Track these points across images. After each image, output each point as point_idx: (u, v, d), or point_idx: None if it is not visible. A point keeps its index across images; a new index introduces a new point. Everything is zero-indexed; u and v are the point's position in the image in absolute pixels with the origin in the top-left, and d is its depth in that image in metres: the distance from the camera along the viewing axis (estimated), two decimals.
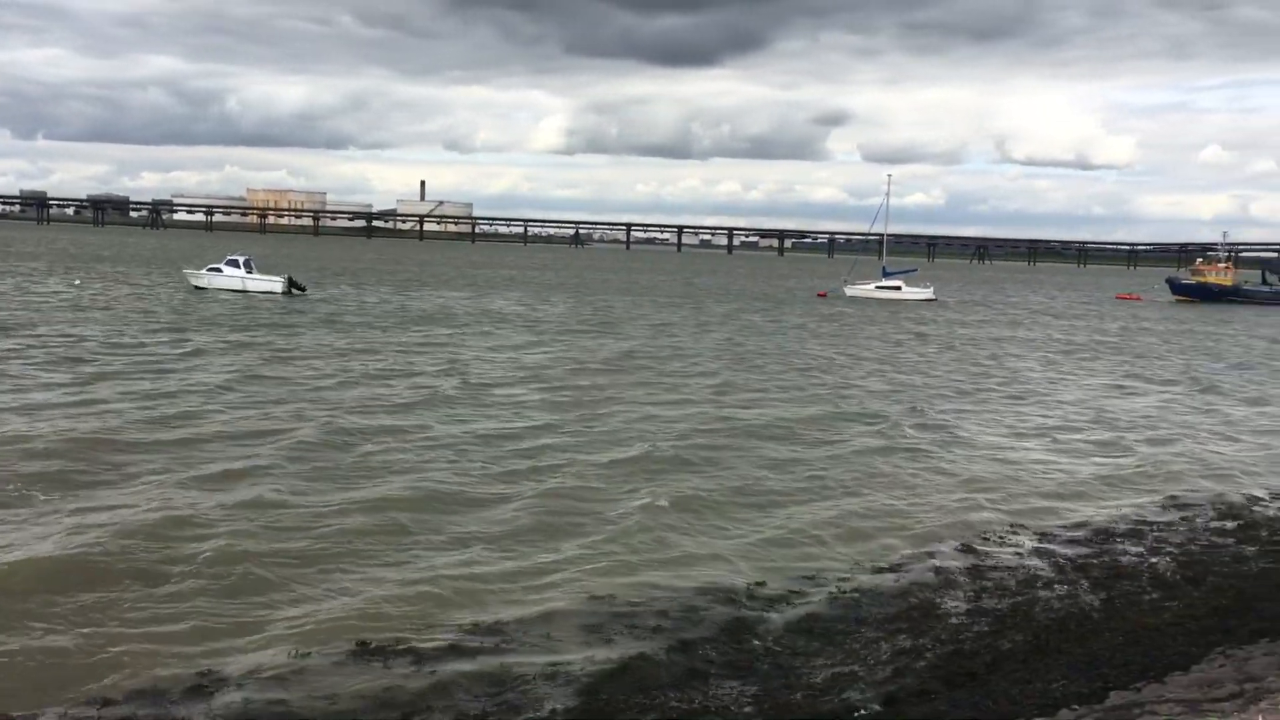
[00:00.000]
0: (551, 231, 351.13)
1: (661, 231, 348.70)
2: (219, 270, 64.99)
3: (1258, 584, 14.59)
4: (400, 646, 11.34)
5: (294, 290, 63.62)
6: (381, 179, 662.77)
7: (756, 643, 11.87)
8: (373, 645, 11.32)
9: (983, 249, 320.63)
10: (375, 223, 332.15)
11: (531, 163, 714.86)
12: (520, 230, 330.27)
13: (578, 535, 15.68)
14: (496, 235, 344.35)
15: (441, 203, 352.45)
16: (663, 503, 17.34)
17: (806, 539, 16.08)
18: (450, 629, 11.93)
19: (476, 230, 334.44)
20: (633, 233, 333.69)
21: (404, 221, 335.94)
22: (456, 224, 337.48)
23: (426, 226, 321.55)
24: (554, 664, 10.98)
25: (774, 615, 12.78)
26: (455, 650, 11.32)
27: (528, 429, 23.52)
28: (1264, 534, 17.40)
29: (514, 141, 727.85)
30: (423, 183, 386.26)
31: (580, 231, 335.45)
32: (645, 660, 11.12)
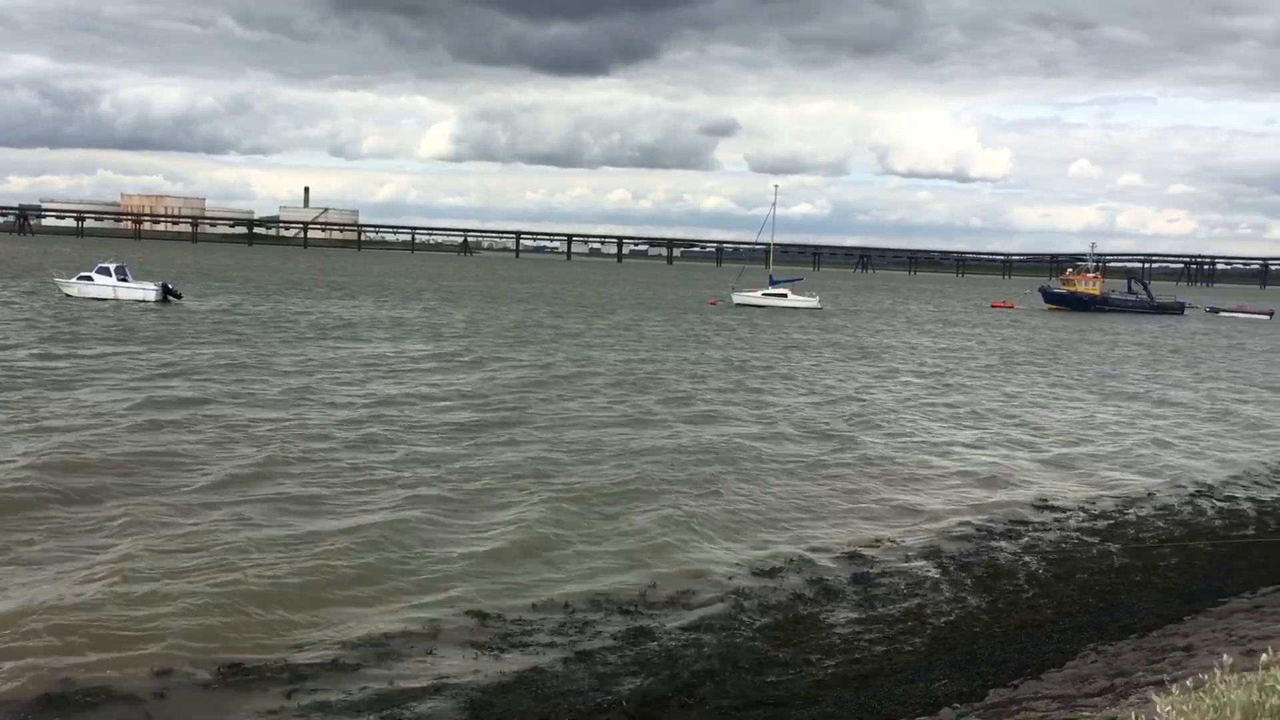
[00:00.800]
0: (440, 239, 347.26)
1: (551, 240, 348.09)
2: (90, 279, 62.57)
3: (1123, 581, 15.17)
4: (279, 665, 10.99)
5: (170, 298, 61.70)
6: (264, 185, 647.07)
7: (654, 644, 11.88)
8: (248, 665, 10.96)
9: (866, 258, 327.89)
10: (257, 229, 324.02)
11: (419, 170, 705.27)
12: (408, 238, 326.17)
13: (465, 547, 15.47)
14: (383, 243, 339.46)
15: (326, 210, 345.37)
16: (551, 512, 17.22)
17: (699, 546, 16.12)
18: (332, 646, 11.62)
19: (363, 238, 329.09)
20: (522, 241, 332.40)
21: (287, 229, 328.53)
22: (342, 231, 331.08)
23: (311, 234, 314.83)
24: (442, 679, 10.78)
25: (667, 621, 12.79)
26: (337, 667, 11.03)
27: (426, 440, 23.15)
28: (1130, 533, 18.10)
29: (401, 148, 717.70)
30: (306, 189, 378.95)
31: (469, 240, 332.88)
32: (538, 671, 11.01)
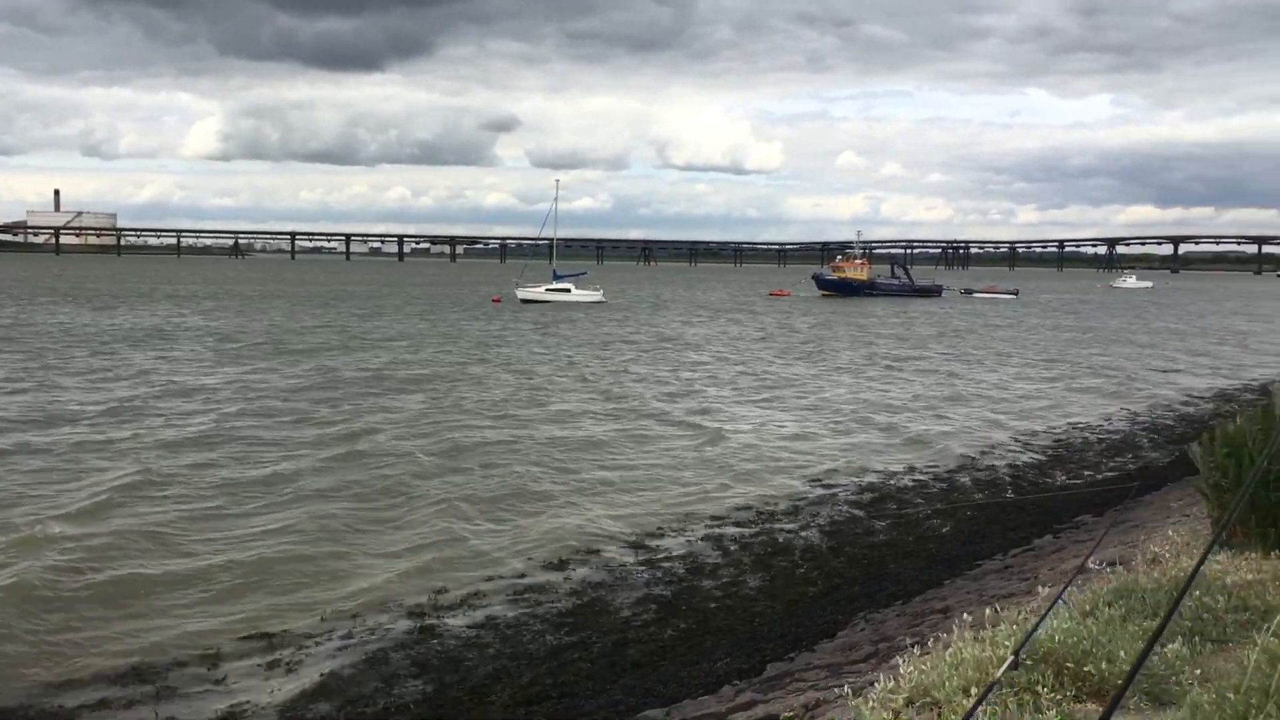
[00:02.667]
0: (208, 242, 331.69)
1: (329, 240, 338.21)
2: None
3: (891, 551, 16.10)
4: (34, 712, 10.34)
5: None
6: (8, 188, 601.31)
7: (444, 644, 11.81)
8: (13, 707, 10.26)
9: (648, 250, 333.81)
10: (2, 236, 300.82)
11: (184, 169, 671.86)
12: (173, 241, 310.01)
13: (244, 559, 14.93)
14: (146, 247, 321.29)
15: (80, 213, 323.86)
16: (332, 518, 16.85)
17: (483, 543, 16.10)
18: (101, 683, 11.00)
19: (123, 242, 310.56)
20: (298, 242, 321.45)
21: (36, 234, 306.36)
22: (99, 236, 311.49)
23: (64, 239, 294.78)
24: (234, 707, 10.38)
25: (457, 620, 12.74)
26: (105, 706, 10.45)
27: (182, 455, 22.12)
28: (892, 506, 19.20)
29: (163, 147, 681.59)
30: (57, 192, 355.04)
31: (240, 241, 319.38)
32: (329, 682, 10.76)
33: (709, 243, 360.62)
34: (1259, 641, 4.59)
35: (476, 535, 16.56)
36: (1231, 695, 4.08)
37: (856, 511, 18.76)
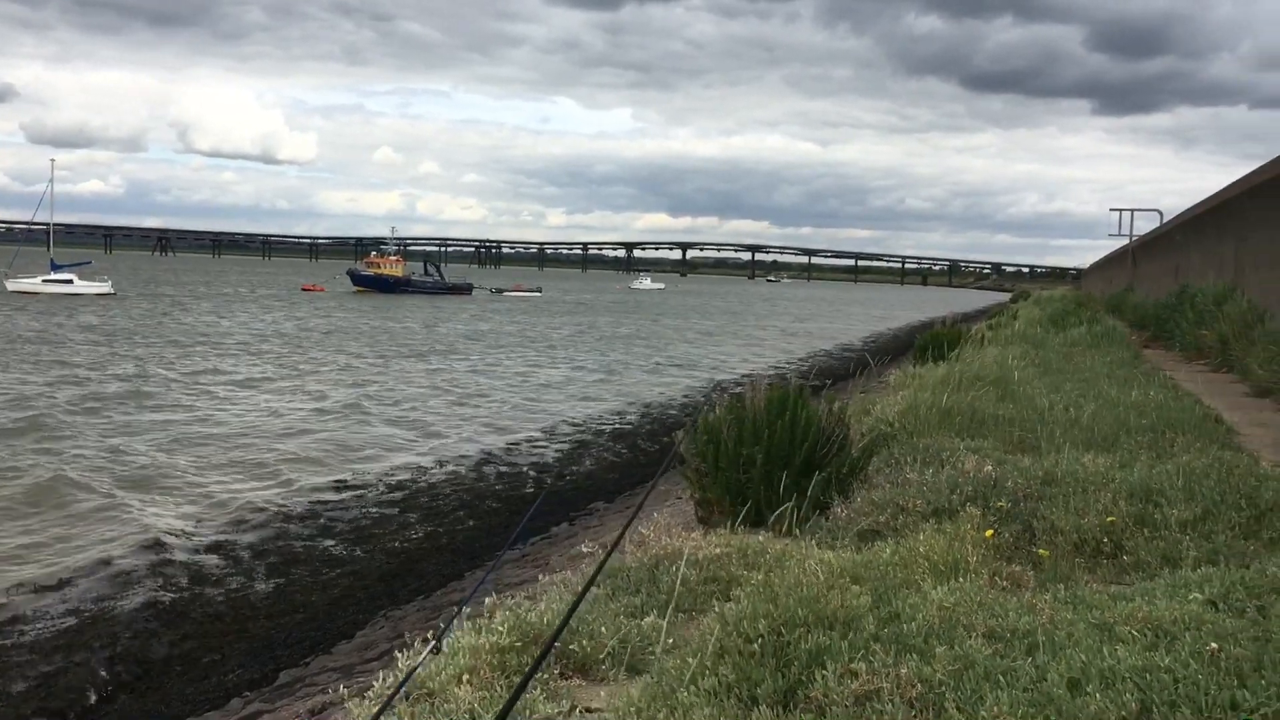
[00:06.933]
0: None
1: None
2: None
3: (417, 548, 16.23)
4: None
5: None
6: None
7: None
8: None
9: (166, 240, 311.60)
10: None
11: None
12: None
13: None
14: None
15: None
16: None
17: None
18: None
19: None
20: None
21: None
22: None
23: None
24: None
25: None
26: None
27: None
28: (424, 500, 19.37)
29: None
30: None
31: None
32: None
33: (235, 234, 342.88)
34: (718, 609, 5.16)
35: None
36: (691, 660, 4.55)
37: (381, 509, 18.67)
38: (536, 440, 26.79)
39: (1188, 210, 33.94)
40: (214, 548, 15.77)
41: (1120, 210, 58.64)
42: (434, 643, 4.74)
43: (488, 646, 4.96)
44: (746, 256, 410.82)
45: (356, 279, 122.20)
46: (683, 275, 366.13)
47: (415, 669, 4.57)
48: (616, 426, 29.48)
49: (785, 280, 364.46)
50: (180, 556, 15.23)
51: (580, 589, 6.08)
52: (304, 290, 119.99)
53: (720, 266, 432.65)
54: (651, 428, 29.28)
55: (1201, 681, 3.96)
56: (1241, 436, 10.75)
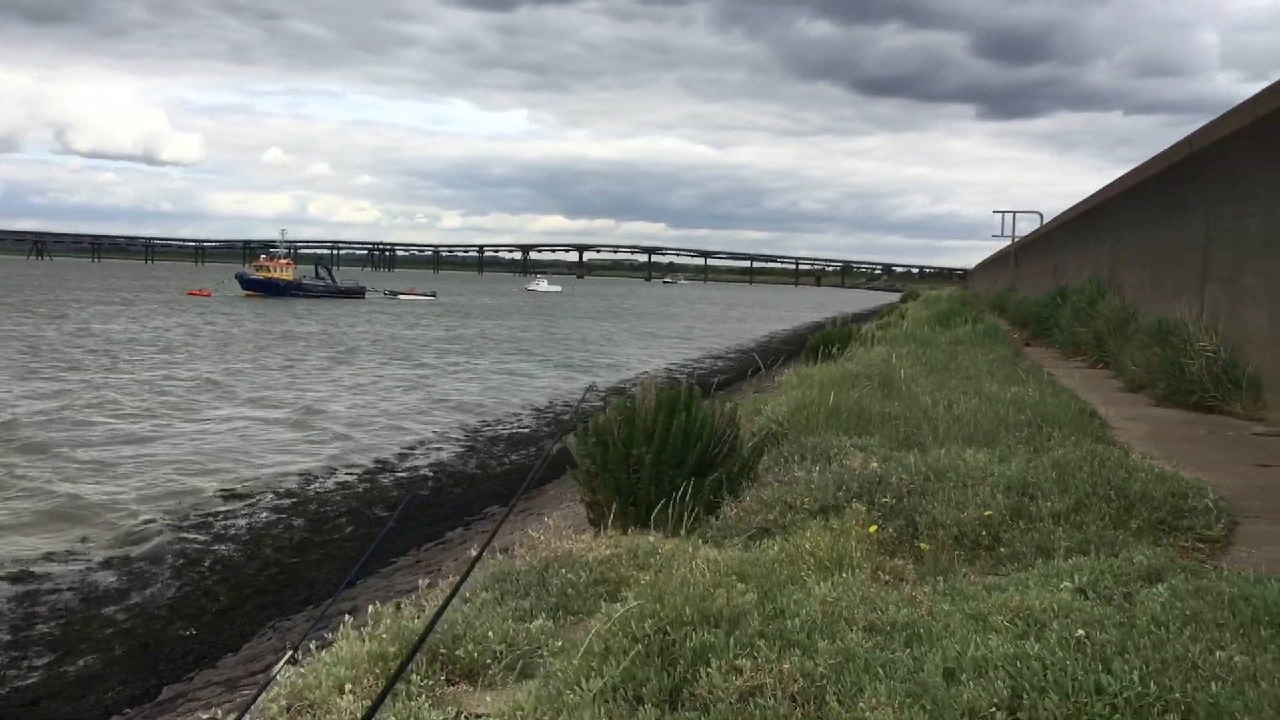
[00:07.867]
0: None
1: None
2: None
3: (307, 557, 15.90)
4: None
5: None
6: None
7: None
8: None
9: (41, 244, 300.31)
10: None
11: None
12: None
13: None
14: None
15: None
16: None
17: None
18: None
19: None
20: None
21: None
22: None
23: None
24: None
25: None
26: None
27: None
28: (313, 508, 19.00)
29: None
30: None
31: None
32: None
33: (116, 237, 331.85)
34: (604, 610, 5.17)
35: None
36: (576, 661, 4.55)
37: (273, 516, 18.28)
38: (432, 444, 26.51)
39: (1066, 212, 35.06)
40: (100, 564, 15.21)
41: (1003, 212, 60.38)
42: (290, 653, 4.68)
43: (369, 654, 4.88)
44: (643, 258, 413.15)
45: (245, 283, 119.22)
46: (580, 277, 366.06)
47: (269, 684, 4.51)
48: (514, 430, 29.34)
49: (682, 281, 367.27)
50: (61, 569, 14.67)
51: (467, 595, 6.04)
52: (190, 295, 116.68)
53: (617, 268, 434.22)
54: (550, 430, 29.19)
55: (1069, 667, 4.09)
56: (1115, 430, 11.14)
